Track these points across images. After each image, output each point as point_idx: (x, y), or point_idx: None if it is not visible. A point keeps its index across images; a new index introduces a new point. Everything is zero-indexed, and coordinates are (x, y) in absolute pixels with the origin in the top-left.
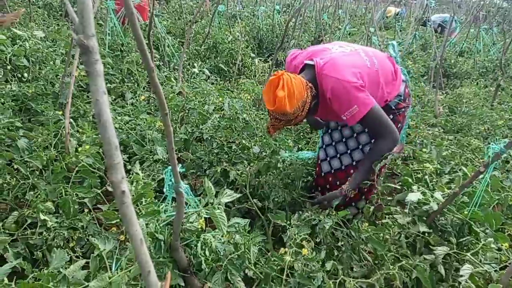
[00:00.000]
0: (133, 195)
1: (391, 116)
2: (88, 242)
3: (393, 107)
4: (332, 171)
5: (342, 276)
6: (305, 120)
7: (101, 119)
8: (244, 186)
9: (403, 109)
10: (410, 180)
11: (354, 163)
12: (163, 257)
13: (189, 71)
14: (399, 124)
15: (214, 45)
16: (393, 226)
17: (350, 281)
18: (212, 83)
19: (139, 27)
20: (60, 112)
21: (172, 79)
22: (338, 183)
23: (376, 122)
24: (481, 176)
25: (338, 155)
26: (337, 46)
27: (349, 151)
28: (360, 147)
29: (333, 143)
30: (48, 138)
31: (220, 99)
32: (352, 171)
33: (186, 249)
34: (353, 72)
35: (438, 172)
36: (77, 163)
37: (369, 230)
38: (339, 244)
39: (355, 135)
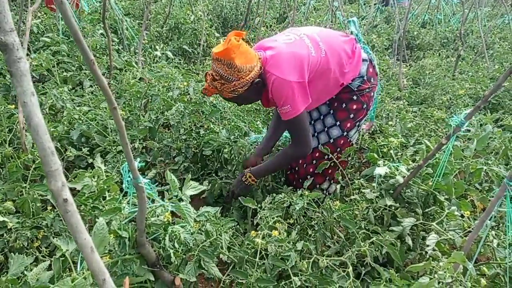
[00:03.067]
0: (95, 190)
1: (355, 97)
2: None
3: (355, 89)
4: None
5: (315, 256)
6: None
7: (31, 123)
8: (215, 172)
9: (367, 90)
10: (375, 156)
11: (318, 146)
12: (129, 254)
13: (151, 54)
14: (364, 105)
15: (176, 25)
16: (361, 201)
17: (323, 259)
18: (176, 66)
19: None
20: (13, 106)
21: (133, 63)
22: (304, 165)
23: (297, 128)
24: (443, 147)
25: None
26: (283, 36)
27: (316, 134)
28: (326, 129)
29: None
30: (2, 134)
31: (185, 83)
32: (317, 154)
33: (153, 243)
34: (293, 67)
35: (404, 145)
36: (34, 160)
37: (340, 208)
38: (312, 223)
39: (321, 117)
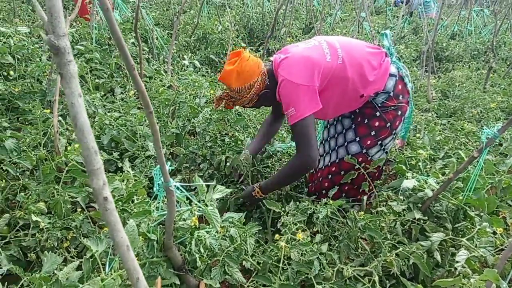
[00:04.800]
0: (124, 194)
1: (377, 114)
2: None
3: (379, 105)
4: (323, 167)
5: (339, 265)
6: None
7: (77, 124)
8: (238, 179)
9: (392, 108)
10: (404, 167)
11: (337, 160)
12: (156, 257)
13: (179, 63)
14: (388, 124)
15: (204, 35)
16: (388, 214)
17: (347, 269)
18: (203, 75)
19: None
20: (48, 110)
21: (162, 71)
22: (321, 179)
23: (300, 135)
24: (475, 160)
25: (330, 151)
26: (306, 41)
27: (336, 148)
28: (345, 144)
29: (328, 139)
30: (37, 137)
31: (212, 91)
32: (334, 168)
33: (180, 247)
34: (302, 70)
35: (433, 157)
36: (67, 163)
37: (366, 218)
38: (336, 233)
39: (344, 131)
